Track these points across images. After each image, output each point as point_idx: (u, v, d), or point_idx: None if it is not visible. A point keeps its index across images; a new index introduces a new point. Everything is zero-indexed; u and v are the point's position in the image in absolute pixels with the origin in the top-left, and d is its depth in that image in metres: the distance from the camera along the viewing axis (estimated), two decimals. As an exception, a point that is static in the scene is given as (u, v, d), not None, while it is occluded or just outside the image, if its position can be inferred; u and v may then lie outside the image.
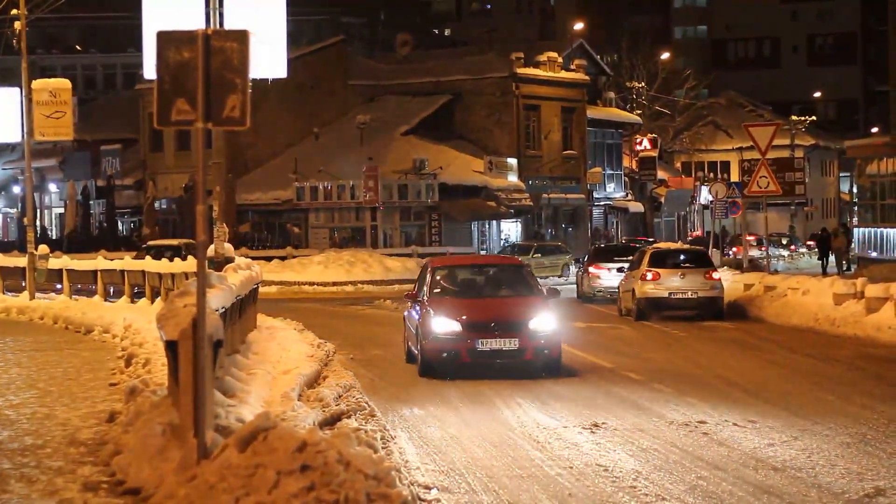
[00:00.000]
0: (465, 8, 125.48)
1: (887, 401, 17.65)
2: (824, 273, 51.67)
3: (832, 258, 61.36)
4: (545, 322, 20.62)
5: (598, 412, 16.73)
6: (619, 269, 38.85)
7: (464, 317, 20.51)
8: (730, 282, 37.92)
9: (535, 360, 20.48)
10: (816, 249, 67.65)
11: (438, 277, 22.23)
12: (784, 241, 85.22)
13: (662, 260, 34.26)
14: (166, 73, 11.25)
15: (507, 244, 66.31)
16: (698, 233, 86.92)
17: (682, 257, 34.95)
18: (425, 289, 21.75)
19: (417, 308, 21.58)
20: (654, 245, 40.38)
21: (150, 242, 50.35)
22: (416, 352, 21.20)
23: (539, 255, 59.41)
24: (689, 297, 33.17)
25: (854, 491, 11.96)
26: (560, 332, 20.99)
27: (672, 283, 33.20)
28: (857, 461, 13.32)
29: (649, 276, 33.27)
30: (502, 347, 20.31)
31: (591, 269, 42.36)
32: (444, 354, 20.35)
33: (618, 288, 36.80)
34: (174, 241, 48.75)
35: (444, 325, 20.42)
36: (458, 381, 19.86)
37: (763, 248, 74.66)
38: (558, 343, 20.80)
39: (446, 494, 11.92)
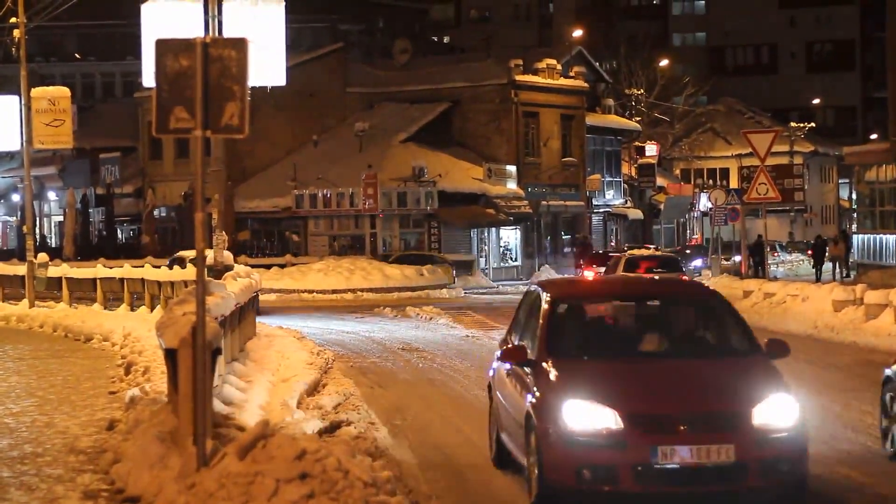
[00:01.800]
0: (464, 15, 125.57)
1: None
2: (818, 281, 51.68)
3: (828, 266, 61.32)
4: (780, 410, 11.30)
5: None
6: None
7: (625, 400, 11.12)
8: (728, 288, 37.97)
9: (764, 487, 11.14)
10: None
11: (564, 317, 12.70)
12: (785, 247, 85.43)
13: (636, 265, 37.26)
14: (165, 81, 11.26)
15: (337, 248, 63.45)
16: (697, 238, 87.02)
17: (654, 263, 37.22)
18: (539, 339, 12.23)
19: (526, 374, 12.08)
20: (629, 251, 43.00)
21: (180, 253, 46.21)
22: (524, 460, 11.91)
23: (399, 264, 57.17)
24: None
25: (856, 500, 11.95)
26: (805, 428, 11.52)
27: None
28: (858, 468, 13.31)
29: None
30: (703, 462, 10.94)
31: (585, 272, 44.66)
32: (588, 474, 11.03)
33: None
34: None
35: (585, 415, 11.05)
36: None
37: (776, 254, 75.11)
38: (803, 450, 11.39)
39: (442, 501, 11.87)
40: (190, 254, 42.31)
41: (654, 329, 12.70)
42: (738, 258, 59.87)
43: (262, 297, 30.85)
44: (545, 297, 12.74)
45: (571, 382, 11.37)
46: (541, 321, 12.39)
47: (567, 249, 71.69)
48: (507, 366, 12.72)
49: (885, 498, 12.24)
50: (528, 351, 12.25)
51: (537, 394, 11.50)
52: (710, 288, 15.05)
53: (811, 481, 11.59)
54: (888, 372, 14.57)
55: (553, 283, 15.66)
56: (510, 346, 12.92)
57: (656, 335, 12.58)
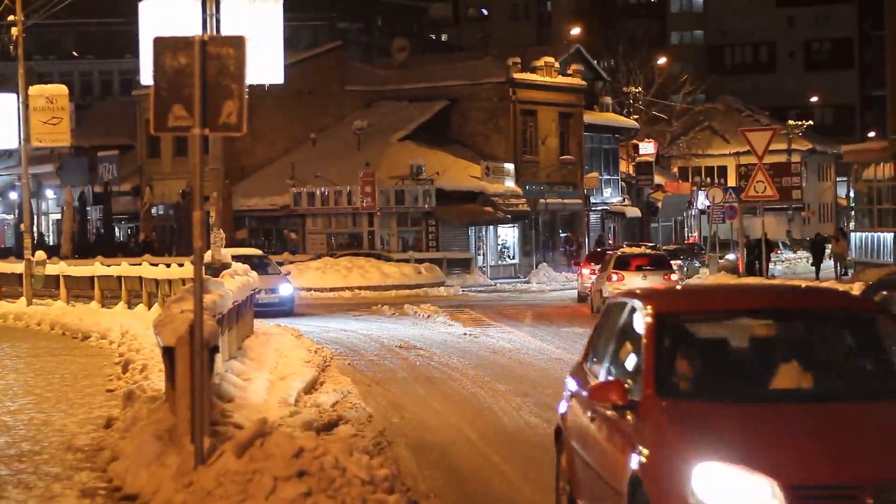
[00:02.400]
0: (462, 14, 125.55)
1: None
2: (817, 279, 51.68)
3: (828, 263, 61.34)
4: None
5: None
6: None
7: (786, 464, 7.73)
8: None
9: None
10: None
11: (678, 340, 9.23)
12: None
13: (627, 263, 38.78)
14: (163, 79, 11.26)
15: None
16: (694, 237, 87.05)
17: (644, 260, 39.56)
18: (646, 372, 8.82)
19: (627, 421, 8.68)
20: (621, 249, 44.91)
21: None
22: None
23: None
24: None
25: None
26: None
27: (634, 284, 36.53)
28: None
29: (614, 277, 37.80)
30: None
31: (583, 270, 46.65)
32: None
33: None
34: (248, 251, 41.69)
35: (728, 486, 7.64)
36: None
37: (778, 252, 75.14)
38: None
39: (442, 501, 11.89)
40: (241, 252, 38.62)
41: (801, 357, 9.03)
42: (730, 256, 59.99)
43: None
44: (647, 310, 9.25)
45: (702, 436, 7.93)
46: (645, 345, 8.95)
47: (562, 249, 71.60)
48: (592, 407, 9.24)
49: None
50: (628, 388, 8.78)
51: (648, 452, 8.08)
52: (874, 300, 12.07)
53: None
54: None
55: (656, 293, 11.03)
56: (597, 380, 9.54)
57: (805, 365, 8.93)
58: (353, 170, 62.54)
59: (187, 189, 61.82)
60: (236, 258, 29.92)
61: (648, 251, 45.14)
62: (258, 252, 42.59)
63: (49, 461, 13.16)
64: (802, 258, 79.64)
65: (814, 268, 61.50)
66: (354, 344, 28.23)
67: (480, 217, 65.73)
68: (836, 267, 59.94)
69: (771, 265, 57.31)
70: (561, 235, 73.24)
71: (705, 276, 47.09)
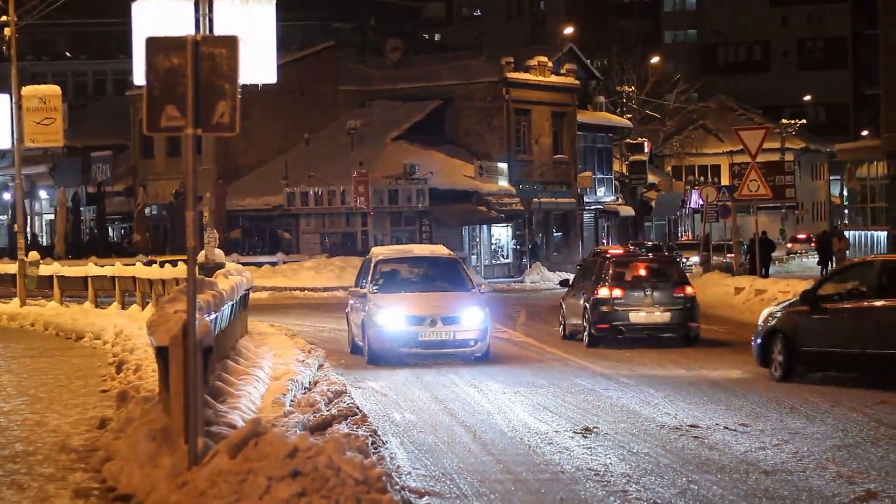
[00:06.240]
0: (456, 13, 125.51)
1: (877, 403, 17.66)
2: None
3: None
4: None
5: (588, 416, 16.72)
6: None
7: None
8: (720, 286, 38.06)
9: None
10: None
11: None
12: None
13: (622, 274, 36.99)
14: (156, 79, 11.26)
15: None
16: (687, 236, 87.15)
17: (646, 269, 37.66)
18: None
19: None
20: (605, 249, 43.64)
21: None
22: None
23: None
24: None
25: (845, 494, 11.97)
26: None
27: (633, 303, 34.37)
28: (847, 464, 13.33)
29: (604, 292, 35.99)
30: None
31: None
32: None
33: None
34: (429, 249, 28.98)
35: None
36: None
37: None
38: None
39: (437, 499, 11.90)
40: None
41: None
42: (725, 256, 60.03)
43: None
44: None
45: None
46: None
47: (515, 246, 70.16)
48: None
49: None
50: None
51: None
52: None
53: None
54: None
55: None
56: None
57: None
58: (347, 169, 62.54)
59: (181, 189, 61.78)
60: (412, 260, 25.81)
61: (651, 255, 34.68)
62: (445, 252, 26.50)
63: (43, 462, 13.15)
64: (792, 256, 79.77)
65: (821, 266, 61.44)
66: (349, 344, 28.19)
67: (474, 216, 65.74)
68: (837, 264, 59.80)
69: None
70: (555, 235, 73.23)
71: (698, 276, 47.02)
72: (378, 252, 26.14)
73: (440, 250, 26.50)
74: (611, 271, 27.65)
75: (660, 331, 27.27)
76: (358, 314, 24.86)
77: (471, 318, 23.53)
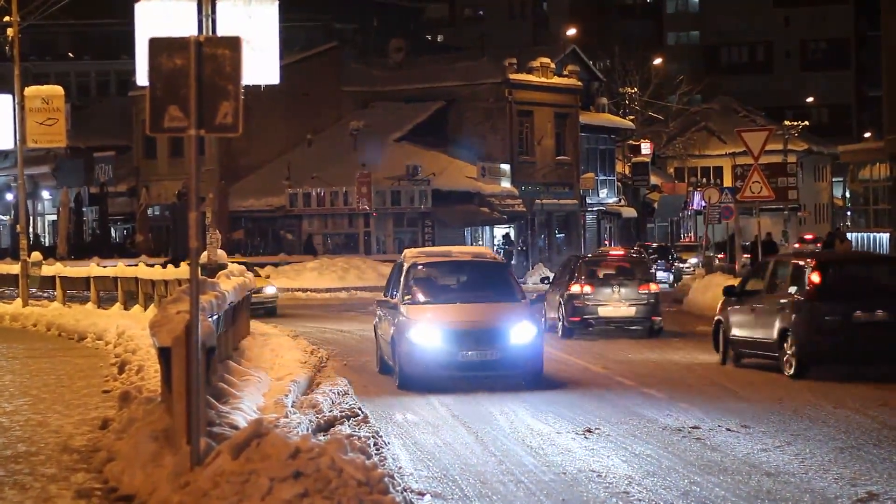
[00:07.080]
0: (459, 14, 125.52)
1: (880, 405, 17.66)
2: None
3: None
4: None
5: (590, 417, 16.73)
6: None
7: None
8: (721, 287, 37.97)
9: None
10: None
11: None
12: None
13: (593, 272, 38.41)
14: (159, 80, 11.26)
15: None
16: (689, 238, 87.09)
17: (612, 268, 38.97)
18: None
19: None
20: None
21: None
22: None
23: None
24: None
25: (847, 496, 11.97)
26: None
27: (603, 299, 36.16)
28: (849, 466, 13.33)
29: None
30: None
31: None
32: None
33: None
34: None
35: None
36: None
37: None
38: None
39: (439, 501, 11.90)
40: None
41: None
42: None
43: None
44: None
45: None
46: None
47: (500, 249, 68.48)
48: None
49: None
50: None
51: None
52: None
53: None
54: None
55: None
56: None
57: None
58: (350, 170, 62.54)
59: (183, 190, 61.80)
60: (452, 265, 22.32)
61: (620, 255, 34.93)
62: (489, 255, 24.19)
63: (45, 462, 13.16)
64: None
65: None
66: (350, 345, 28.23)
67: (477, 217, 65.73)
68: None
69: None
70: (558, 236, 73.23)
71: (700, 277, 46.96)
72: (411, 255, 22.22)
73: (484, 253, 23.84)
74: (583, 269, 30.29)
75: (626, 324, 29.95)
76: (388, 328, 21.33)
77: (520, 335, 20.09)
